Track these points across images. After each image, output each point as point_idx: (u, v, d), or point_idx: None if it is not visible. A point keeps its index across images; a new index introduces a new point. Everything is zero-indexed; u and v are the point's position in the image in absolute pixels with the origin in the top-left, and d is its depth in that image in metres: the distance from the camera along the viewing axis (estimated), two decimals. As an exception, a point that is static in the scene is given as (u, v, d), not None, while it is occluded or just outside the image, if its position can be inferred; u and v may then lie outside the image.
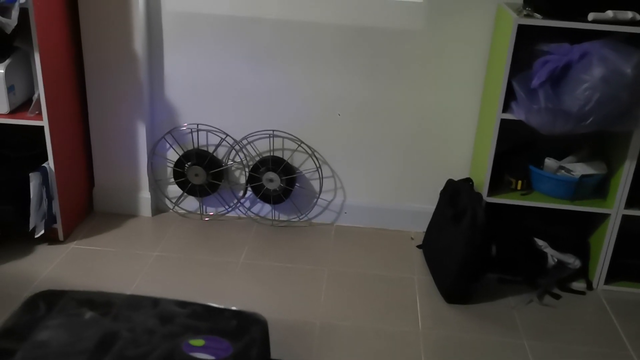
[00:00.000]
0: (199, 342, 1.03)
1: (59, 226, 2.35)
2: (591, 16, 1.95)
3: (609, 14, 1.94)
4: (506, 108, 2.09)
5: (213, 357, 0.99)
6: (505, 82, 2.05)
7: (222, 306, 1.14)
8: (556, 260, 2.27)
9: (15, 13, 1.97)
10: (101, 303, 1.10)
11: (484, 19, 2.28)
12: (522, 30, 1.98)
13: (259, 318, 1.13)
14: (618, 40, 1.97)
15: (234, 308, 1.14)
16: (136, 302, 1.10)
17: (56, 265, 2.23)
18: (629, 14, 1.94)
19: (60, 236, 2.37)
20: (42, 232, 2.28)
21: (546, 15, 1.99)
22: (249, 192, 2.59)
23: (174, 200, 2.64)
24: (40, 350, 0.98)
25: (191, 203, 2.64)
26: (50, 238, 2.36)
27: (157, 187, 2.63)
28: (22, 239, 2.33)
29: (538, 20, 1.97)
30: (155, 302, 1.11)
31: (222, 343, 1.02)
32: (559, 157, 2.24)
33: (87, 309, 1.07)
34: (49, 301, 1.09)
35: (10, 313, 1.10)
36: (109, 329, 1.04)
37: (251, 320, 1.11)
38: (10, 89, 2.18)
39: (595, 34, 1.97)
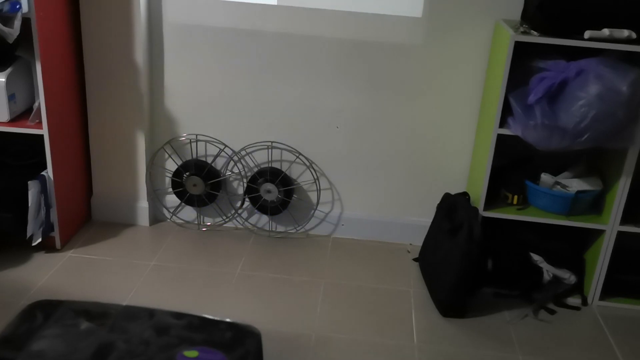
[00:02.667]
0: (193, 353, 1.03)
1: (56, 234, 2.35)
2: (587, 34, 1.97)
3: (605, 32, 1.96)
4: (503, 123, 2.11)
5: (207, 369, 1.00)
6: (502, 98, 2.07)
7: (217, 318, 1.15)
8: (552, 275, 2.28)
9: (17, 23, 1.99)
10: (98, 313, 1.10)
11: (481, 35, 2.30)
12: (519, 46, 2.00)
13: (254, 331, 1.14)
14: (614, 58, 2.00)
15: (228, 320, 1.15)
16: (132, 313, 1.11)
17: (53, 274, 2.24)
18: (625, 33, 1.96)
19: (58, 244, 2.37)
20: (40, 240, 2.29)
21: (543, 32, 2.01)
22: (247, 203, 2.60)
23: (171, 210, 2.65)
24: (37, 359, 0.99)
25: (189, 213, 2.65)
26: (48, 246, 2.36)
27: (155, 197, 2.64)
28: (19, 246, 2.34)
29: (535, 38, 1.99)
30: (151, 313, 1.12)
31: (216, 355, 1.02)
32: (555, 172, 2.26)
33: (84, 319, 1.07)
34: (46, 311, 1.10)
35: (7, 322, 1.11)
36: (105, 340, 1.04)
37: (246, 332, 1.11)
38: (11, 97, 2.20)
39: (592, 51, 1.99)
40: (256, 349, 1.07)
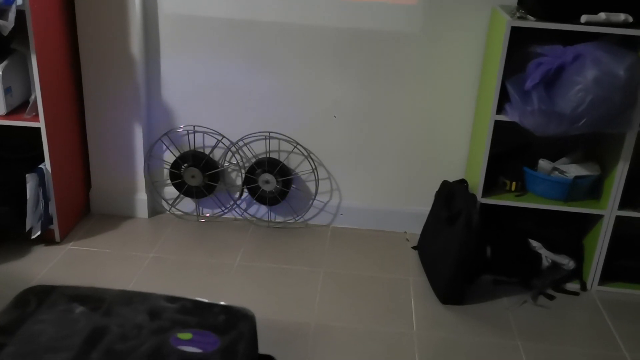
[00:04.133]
0: (186, 335, 1.04)
1: (55, 227, 2.36)
2: (584, 18, 1.96)
3: (602, 16, 1.95)
4: (500, 110, 2.11)
5: (200, 351, 1.00)
6: (499, 84, 2.06)
7: (210, 301, 1.15)
8: (550, 261, 2.27)
9: (12, 15, 1.99)
10: (91, 298, 1.11)
11: (478, 21, 2.29)
12: (515, 32, 1.99)
13: (247, 313, 1.14)
14: (611, 42, 1.99)
15: (222, 303, 1.15)
16: (126, 298, 1.11)
17: (53, 266, 2.24)
18: (622, 16, 1.95)
19: (57, 237, 2.37)
20: (39, 233, 2.29)
21: (539, 17, 2.00)
22: (245, 194, 2.60)
23: (170, 202, 2.65)
24: (30, 344, 0.99)
25: (187, 204, 2.65)
26: (47, 239, 2.37)
27: (153, 189, 2.64)
28: (18, 240, 2.34)
29: (531, 23, 1.98)
30: (145, 297, 1.12)
31: (210, 337, 1.03)
32: (553, 159, 2.25)
33: (78, 304, 1.08)
34: (40, 297, 1.10)
35: (2, 308, 1.11)
36: (99, 324, 1.05)
37: (239, 315, 1.12)
38: (7, 90, 2.19)
39: (588, 35, 1.98)
40: (250, 331, 1.07)
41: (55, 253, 2.32)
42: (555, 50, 2.01)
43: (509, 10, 2.12)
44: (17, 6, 2.00)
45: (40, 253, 2.32)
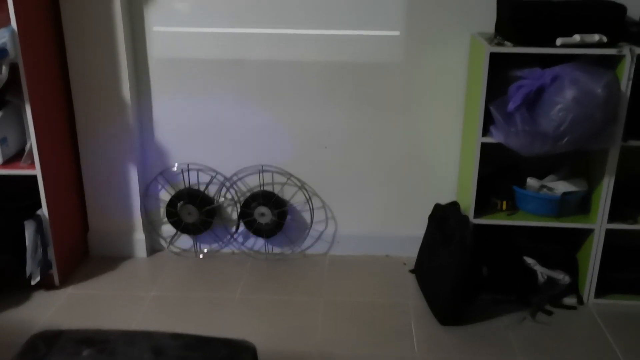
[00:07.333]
0: (191, 371, 1.06)
1: (55, 272, 2.37)
2: (559, 41, 2.02)
3: (576, 38, 2.02)
4: (486, 132, 2.16)
5: (206, 385, 1.03)
6: (483, 108, 2.12)
7: (212, 336, 1.17)
8: (546, 277, 2.30)
9: (5, 69, 2.04)
10: (98, 340, 1.13)
11: (459, 49, 2.36)
12: (495, 57, 2.06)
13: (248, 345, 1.17)
14: (588, 62, 2.05)
15: (223, 337, 1.18)
16: (131, 338, 1.13)
17: (54, 311, 2.25)
18: (596, 37, 2.02)
19: (56, 282, 2.39)
20: (39, 278, 2.30)
21: (517, 42, 2.07)
22: (242, 227, 2.63)
23: (168, 240, 2.68)
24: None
25: (185, 241, 2.68)
26: (47, 284, 2.37)
27: (151, 228, 2.67)
28: (18, 286, 2.35)
29: (509, 48, 2.05)
30: (149, 336, 1.15)
31: (214, 371, 1.06)
32: (541, 176, 2.30)
33: (85, 346, 1.10)
34: (48, 341, 1.12)
35: (12, 355, 1.14)
36: (106, 365, 1.07)
37: (241, 347, 1.14)
38: (2, 140, 2.24)
39: (566, 57, 2.04)
40: (252, 363, 1.10)
41: (56, 298, 2.33)
42: (534, 72, 2.07)
43: (487, 37, 2.19)
44: (10, 59, 2.05)
45: (41, 298, 2.33)
